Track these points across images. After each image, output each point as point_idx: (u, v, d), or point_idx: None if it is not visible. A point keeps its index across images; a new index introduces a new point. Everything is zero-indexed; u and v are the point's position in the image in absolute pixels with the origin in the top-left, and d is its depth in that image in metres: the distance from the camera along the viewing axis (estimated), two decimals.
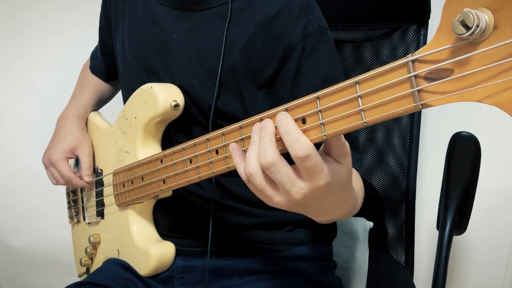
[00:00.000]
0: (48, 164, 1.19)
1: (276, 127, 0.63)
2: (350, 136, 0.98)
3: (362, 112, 0.55)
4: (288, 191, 0.62)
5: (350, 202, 0.74)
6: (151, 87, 0.98)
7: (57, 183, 1.21)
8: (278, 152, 0.61)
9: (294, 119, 0.62)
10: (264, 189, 0.64)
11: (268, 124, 0.63)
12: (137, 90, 1.03)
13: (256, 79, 0.97)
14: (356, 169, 0.96)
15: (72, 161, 1.24)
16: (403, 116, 1.37)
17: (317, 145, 0.61)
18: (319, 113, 0.59)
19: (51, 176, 1.21)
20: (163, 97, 0.96)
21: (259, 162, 0.61)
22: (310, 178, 0.60)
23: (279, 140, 0.62)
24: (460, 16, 0.44)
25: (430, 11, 1.31)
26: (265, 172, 0.62)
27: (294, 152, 0.59)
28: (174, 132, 1.05)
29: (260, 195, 0.66)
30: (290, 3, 0.94)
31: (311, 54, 0.94)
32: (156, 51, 1.02)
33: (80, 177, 1.17)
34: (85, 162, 1.17)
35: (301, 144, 0.58)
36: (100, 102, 1.35)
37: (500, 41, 0.43)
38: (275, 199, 0.64)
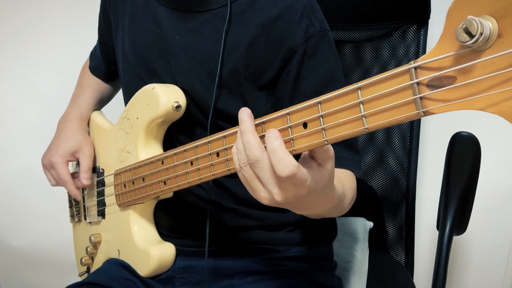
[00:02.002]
0: (48, 165, 1.19)
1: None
2: (348, 139, 0.98)
3: (364, 118, 0.55)
4: (270, 189, 0.64)
5: (332, 201, 0.76)
6: (153, 88, 0.98)
7: (56, 184, 1.21)
8: (263, 148, 0.63)
9: (295, 123, 0.62)
10: (252, 180, 0.66)
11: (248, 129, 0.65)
12: (139, 91, 1.03)
13: (257, 81, 0.97)
14: (353, 171, 0.97)
15: (74, 162, 1.23)
16: None
17: None
18: (321, 118, 0.59)
19: (51, 178, 1.21)
20: (165, 98, 0.96)
21: (246, 154, 0.64)
22: (293, 188, 0.63)
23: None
24: (463, 24, 0.43)
25: (430, 11, 1.31)
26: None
27: (278, 171, 0.60)
28: (176, 133, 1.05)
29: (247, 186, 0.68)
30: (292, 5, 0.94)
31: (312, 56, 0.95)
32: (158, 52, 1.02)
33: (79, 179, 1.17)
34: (84, 165, 1.17)
35: (285, 163, 0.60)
36: (101, 102, 1.34)
37: (504, 50, 0.42)
38: (259, 194, 0.66)
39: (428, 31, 1.33)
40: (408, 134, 1.37)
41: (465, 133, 1.11)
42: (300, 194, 0.64)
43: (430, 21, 1.33)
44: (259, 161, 0.63)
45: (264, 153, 0.63)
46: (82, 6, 1.83)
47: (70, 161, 1.19)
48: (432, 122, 1.66)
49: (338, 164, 0.95)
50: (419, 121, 1.36)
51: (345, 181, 0.90)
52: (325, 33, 0.96)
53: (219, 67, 0.95)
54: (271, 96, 0.99)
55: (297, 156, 0.64)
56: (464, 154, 1.12)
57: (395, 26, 1.37)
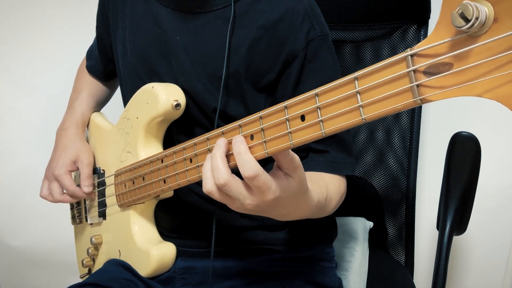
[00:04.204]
0: (51, 178, 1.18)
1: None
2: (344, 141, 0.99)
3: (361, 108, 0.55)
4: (242, 203, 0.69)
5: (309, 207, 0.79)
6: (153, 87, 0.98)
7: (52, 199, 1.19)
8: (229, 171, 0.67)
9: (293, 116, 0.63)
10: (224, 200, 0.70)
11: (222, 143, 0.70)
12: (139, 90, 1.03)
13: (258, 83, 0.97)
14: (347, 174, 0.99)
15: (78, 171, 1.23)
16: (403, 116, 1.37)
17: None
18: (318, 110, 0.59)
19: (48, 190, 1.19)
20: (164, 96, 0.96)
21: (214, 182, 0.68)
22: (259, 194, 0.67)
23: (232, 155, 0.68)
24: (459, 9, 0.43)
25: (430, 11, 1.31)
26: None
27: (243, 172, 0.65)
28: (176, 133, 1.05)
29: (221, 202, 0.72)
30: (294, 8, 0.94)
31: (312, 60, 0.95)
32: (159, 53, 1.02)
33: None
34: (84, 173, 1.15)
35: (250, 164, 0.65)
36: (98, 105, 1.33)
37: (500, 34, 0.42)
38: (233, 206, 0.71)
39: (428, 31, 1.33)
40: (408, 134, 1.37)
41: (465, 133, 1.11)
42: (267, 200, 0.68)
43: (430, 21, 1.33)
44: (228, 183, 0.67)
45: (230, 175, 0.67)
46: (82, 6, 1.84)
47: (72, 170, 1.18)
48: (432, 122, 1.65)
49: (332, 169, 0.97)
50: (419, 120, 1.35)
51: (330, 185, 0.92)
52: (325, 37, 0.97)
53: (224, 69, 0.95)
54: (269, 97, 1.00)
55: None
56: (464, 154, 1.12)
57: (395, 26, 1.37)
